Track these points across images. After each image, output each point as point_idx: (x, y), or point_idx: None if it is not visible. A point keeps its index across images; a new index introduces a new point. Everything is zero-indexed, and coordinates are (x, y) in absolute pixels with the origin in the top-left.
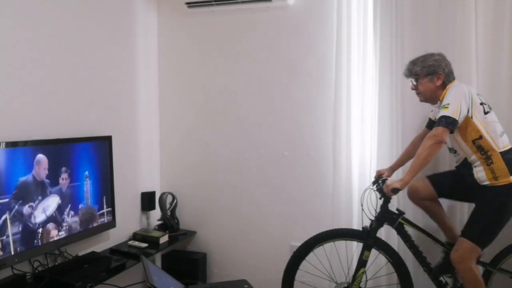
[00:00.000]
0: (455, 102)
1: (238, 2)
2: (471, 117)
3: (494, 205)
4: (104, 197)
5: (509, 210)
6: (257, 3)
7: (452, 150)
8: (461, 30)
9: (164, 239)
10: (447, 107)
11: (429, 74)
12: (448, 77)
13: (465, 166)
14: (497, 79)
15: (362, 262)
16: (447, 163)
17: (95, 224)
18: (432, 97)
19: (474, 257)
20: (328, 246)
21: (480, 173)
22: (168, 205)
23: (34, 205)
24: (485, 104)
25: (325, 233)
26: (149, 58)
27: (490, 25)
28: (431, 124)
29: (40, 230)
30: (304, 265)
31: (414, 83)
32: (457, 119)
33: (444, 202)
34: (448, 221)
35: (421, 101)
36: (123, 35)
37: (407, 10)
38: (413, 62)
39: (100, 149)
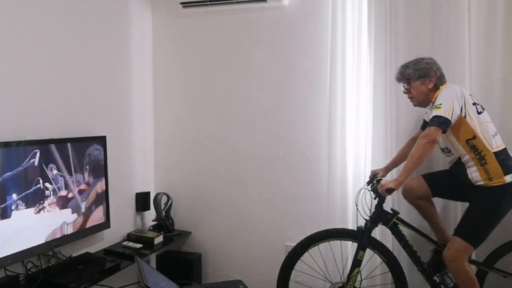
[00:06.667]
0: (448, 102)
1: (233, 2)
2: (465, 117)
3: (488, 206)
4: (99, 198)
5: (502, 211)
6: (252, 3)
7: (445, 150)
8: (454, 31)
9: (158, 239)
10: (439, 107)
11: (421, 77)
12: (440, 80)
13: (459, 167)
14: (490, 80)
15: (356, 262)
16: (441, 163)
17: (89, 225)
18: (425, 100)
19: (467, 256)
20: (323, 246)
21: (474, 174)
22: (163, 206)
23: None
24: (478, 105)
25: (320, 233)
26: (144, 58)
27: (483, 27)
28: (425, 126)
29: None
30: (299, 265)
31: (406, 86)
32: (449, 118)
33: (438, 202)
34: (441, 222)
35: (415, 105)
36: (118, 35)
37: (401, 10)
38: (405, 66)
39: (94, 149)
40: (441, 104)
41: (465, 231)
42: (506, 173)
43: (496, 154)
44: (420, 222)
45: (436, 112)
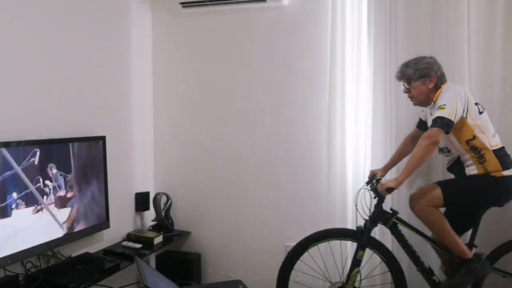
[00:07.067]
0: (452, 103)
1: (232, 2)
2: (466, 118)
3: (482, 185)
4: (98, 197)
5: (492, 197)
6: (252, 3)
7: (445, 150)
8: (454, 30)
9: (158, 239)
10: (443, 108)
11: (422, 77)
12: (441, 80)
13: (457, 166)
14: (490, 80)
15: (356, 262)
16: (440, 164)
17: (88, 225)
18: (426, 100)
19: (432, 205)
20: (322, 246)
21: (472, 172)
22: (162, 206)
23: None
24: (479, 104)
25: (319, 233)
26: (144, 58)
27: (482, 27)
28: (421, 125)
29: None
30: (298, 265)
31: (407, 86)
32: (452, 120)
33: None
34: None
35: (415, 105)
36: (118, 35)
37: (401, 11)
38: (406, 65)
39: (94, 149)
40: (445, 104)
41: (450, 187)
42: (504, 169)
43: (495, 151)
44: (419, 222)
45: (439, 113)
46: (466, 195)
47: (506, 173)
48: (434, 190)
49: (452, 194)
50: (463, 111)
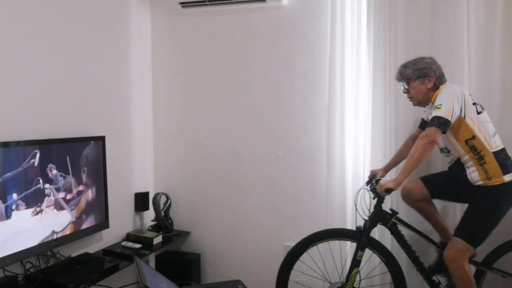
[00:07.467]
0: (448, 102)
1: (232, 2)
2: (464, 117)
3: (487, 205)
4: (98, 198)
5: (501, 210)
6: (252, 3)
7: (445, 151)
8: (453, 31)
9: (157, 239)
10: (439, 108)
11: (420, 77)
12: (440, 80)
13: (458, 167)
14: (489, 80)
15: (356, 262)
16: (439, 163)
17: (88, 225)
18: (424, 99)
19: (467, 256)
20: (322, 246)
21: (473, 174)
22: (162, 206)
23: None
24: (478, 104)
25: (319, 233)
26: (143, 58)
27: (481, 28)
28: (423, 125)
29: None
30: (298, 265)
31: (406, 86)
32: (449, 119)
33: (438, 203)
34: (442, 221)
35: (414, 105)
36: (117, 35)
37: (400, 10)
38: (405, 66)
39: (93, 149)
40: (441, 104)
41: (464, 231)
42: (505, 173)
43: (495, 154)
44: (419, 222)
45: (436, 113)
46: (483, 225)
47: (507, 178)
48: (459, 244)
49: (473, 235)
50: (460, 110)
